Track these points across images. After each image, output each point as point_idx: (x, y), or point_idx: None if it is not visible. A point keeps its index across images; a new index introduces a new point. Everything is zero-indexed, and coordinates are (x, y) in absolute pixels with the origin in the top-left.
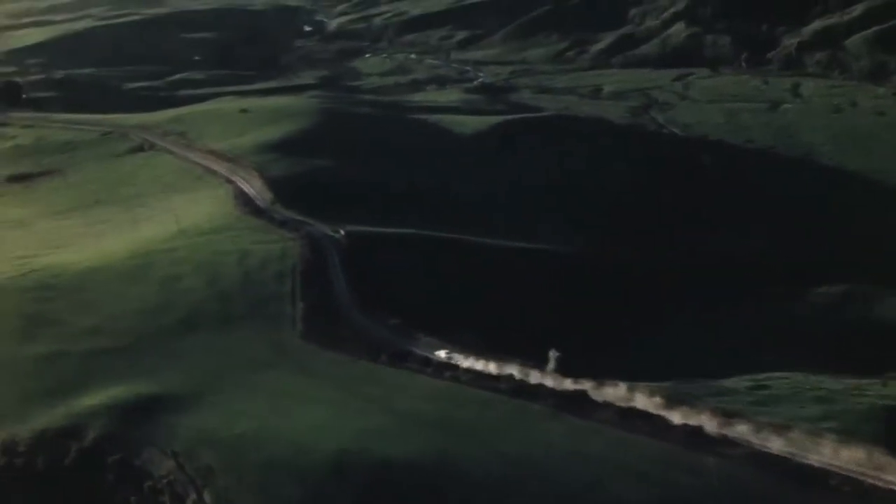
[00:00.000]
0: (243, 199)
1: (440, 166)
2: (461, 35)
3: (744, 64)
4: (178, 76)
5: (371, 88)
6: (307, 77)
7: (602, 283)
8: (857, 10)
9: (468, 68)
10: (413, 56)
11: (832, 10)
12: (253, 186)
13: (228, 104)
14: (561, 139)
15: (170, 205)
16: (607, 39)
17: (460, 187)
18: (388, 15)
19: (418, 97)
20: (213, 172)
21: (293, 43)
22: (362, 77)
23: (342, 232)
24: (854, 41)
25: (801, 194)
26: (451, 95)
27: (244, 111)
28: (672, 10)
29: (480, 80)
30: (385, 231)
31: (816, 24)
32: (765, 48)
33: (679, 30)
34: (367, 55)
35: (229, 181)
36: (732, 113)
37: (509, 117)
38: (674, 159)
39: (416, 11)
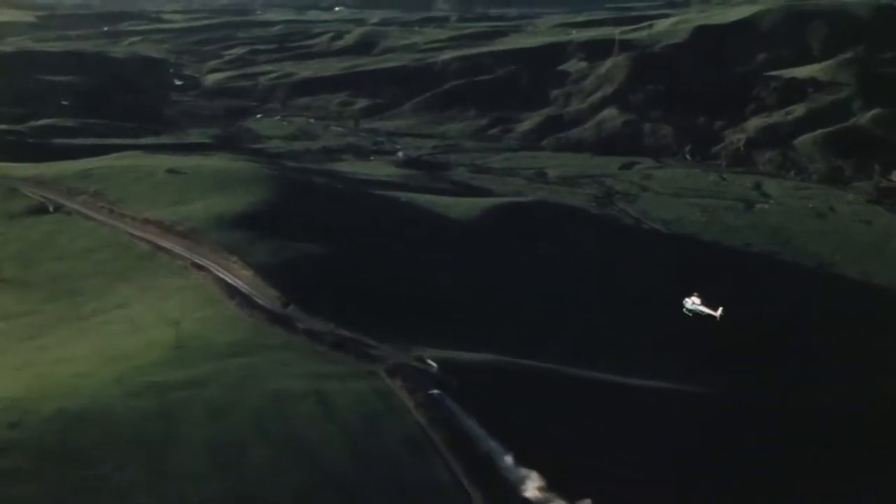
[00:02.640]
0: (238, 297)
1: (460, 257)
2: (362, 103)
3: (688, 156)
4: (43, 121)
5: (278, 153)
6: (197, 134)
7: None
8: (799, 110)
9: (381, 139)
10: (312, 121)
11: (769, 107)
12: (239, 277)
13: (143, 161)
14: (565, 230)
15: (122, 296)
16: (532, 119)
17: (503, 284)
18: (274, 75)
19: (344, 167)
20: (167, 252)
21: (168, 95)
22: (263, 139)
23: (433, 363)
24: (803, 142)
25: (864, 316)
26: (383, 169)
27: (173, 172)
28: (599, 94)
29: (400, 152)
30: (479, 359)
31: (757, 121)
32: (708, 141)
33: (612, 115)
34: (259, 116)
35: (198, 267)
36: (707, 210)
37: (497, 201)
38: (705, 266)
39: (304, 74)
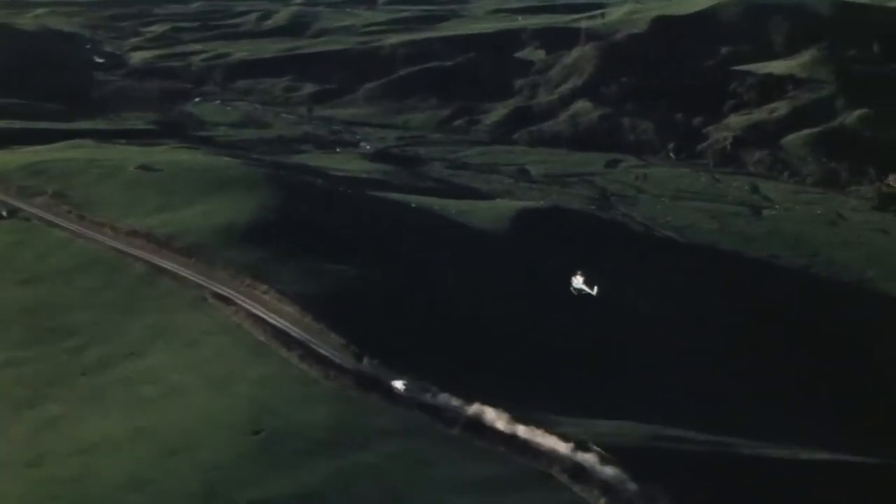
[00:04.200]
0: (295, 346)
1: (511, 280)
2: (309, 88)
3: (672, 154)
4: None
5: (229, 142)
6: (135, 119)
7: None
8: (782, 108)
9: (338, 128)
10: (258, 107)
11: (748, 104)
12: (279, 313)
13: (101, 153)
14: (598, 243)
15: (133, 339)
16: (499, 111)
17: (578, 320)
18: (207, 56)
19: (310, 160)
20: (173, 276)
21: (92, 74)
22: (208, 126)
23: (601, 451)
24: (791, 142)
25: None
26: (354, 163)
27: (145, 168)
28: (569, 85)
29: (365, 144)
30: (639, 436)
31: (739, 119)
32: (691, 139)
33: (586, 108)
34: (198, 100)
35: (221, 298)
36: (715, 215)
37: (515, 207)
38: (760, 287)
39: (240, 55)
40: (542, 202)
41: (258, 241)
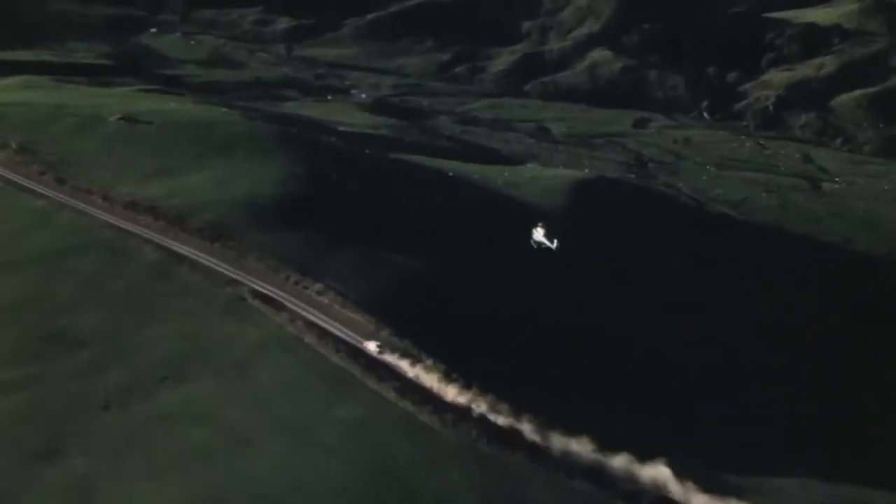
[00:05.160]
0: (386, 374)
1: (591, 273)
2: (284, 23)
3: (706, 114)
4: None
5: (201, 83)
6: (84, 52)
7: None
8: (830, 64)
9: (322, 71)
10: (225, 42)
11: (789, 59)
12: (346, 323)
13: (69, 96)
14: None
15: (164, 355)
16: (505, 57)
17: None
18: None
19: (298, 108)
20: (194, 266)
21: None
22: (172, 63)
23: None
24: (842, 103)
25: None
26: (351, 115)
27: (128, 119)
28: (584, 31)
29: (359, 92)
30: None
31: (780, 76)
32: (726, 97)
33: (606, 58)
34: (154, 30)
35: (264, 298)
36: (770, 188)
37: (565, 177)
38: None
39: None
40: (587, 172)
41: (292, 221)
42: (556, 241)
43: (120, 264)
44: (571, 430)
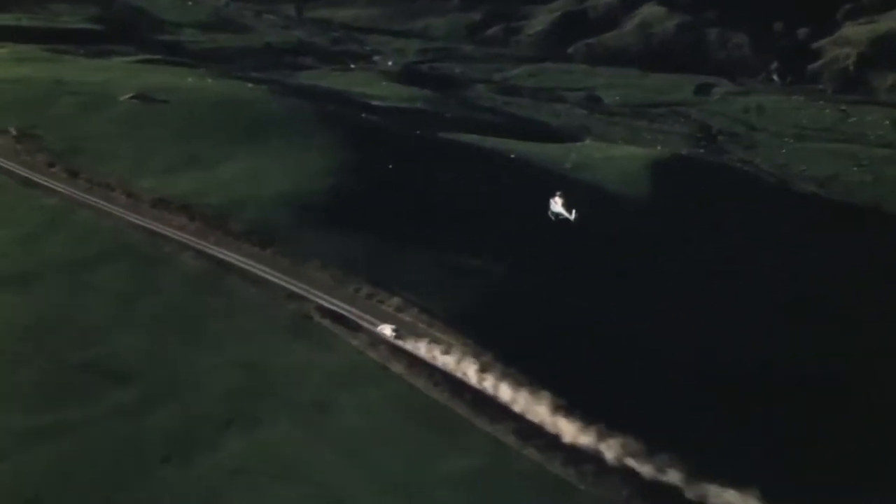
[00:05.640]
0: (498, 414)
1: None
2: None
3: (776, 77)
4: None
5: (203, 50)
6: (68, 15)
7: None
8: None
9: (338, 34)
10: (226, 2)
11: (869, 9)
12: (440, 347)
13: (66, 71)
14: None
15: (237, 408)
16: (543, 17)
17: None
18: None
19: (319, 78)
20: (243, 275)
21: None
22: (169, 27)
23: None
24: None
25: None
26: (379, 85)
27: (141, 98)
28: None
29: (386, 59)
30: None
31: (858, 30)
32: (797, 56)
33: (658, 15)
34: None
35: (336, 318)
36: (861, 162)
37: (639, 155)
38: None
39: None
40: (660, 149)
41: (350, 220)
42: (574, 211)
43: (156, 276)
44: (730, 481)
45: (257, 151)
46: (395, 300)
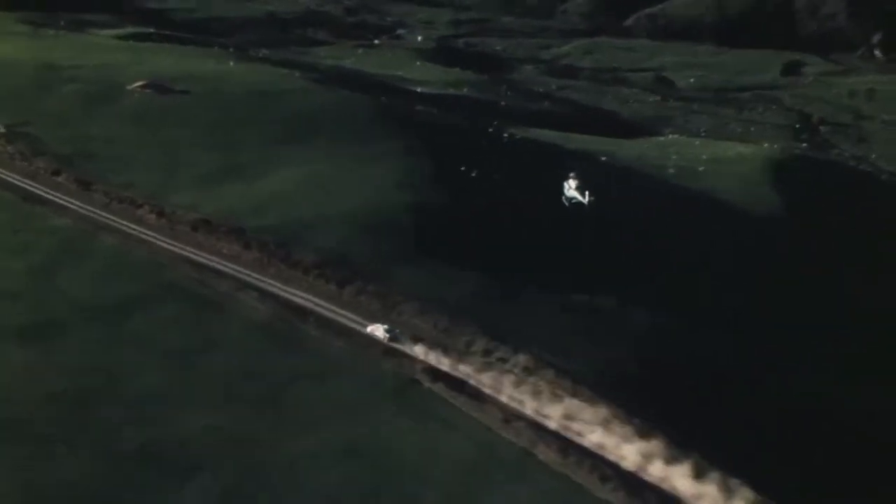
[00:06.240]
0: None
1: None
2: None
3: (879, 52)
4: None
5: (197, 21)
6: None
7: None
8: None
9: (351, 3)
10: None
11: None
12: (602, 428)
13: (58, 51)
14: None
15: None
16: None
17: None
18: None
19: (343, 58)
20: (324, 324)
21: None
22: None
23: None
24: None
25: None
26: (414, 67)
27: (156, 88)
28: None
29: (401, 31)
30: None
31: None
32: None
33: None
34: None
35: (450, 381)
36: None
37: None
38: None
39: None
40: (774, 147)
41: (442, 247)
42: (588, 194)
43: (214, 325)
44: None
45: (309, 157)
46: (521, 357)
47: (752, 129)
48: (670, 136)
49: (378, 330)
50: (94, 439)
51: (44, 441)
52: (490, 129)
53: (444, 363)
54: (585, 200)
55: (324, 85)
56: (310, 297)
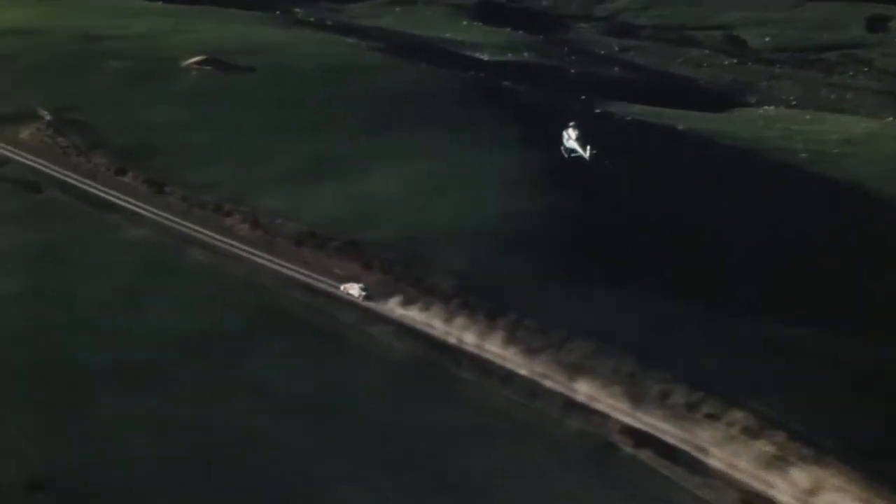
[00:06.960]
0: None
1: None
2: None
3: None
4: None
5: None
6: None
7: None
8: None
9: None
10: None
11: None
12: None
13: (90, 16)
14: None
15: None
16: None
17: None
18: None
19: (379, 17)
20: (482, 372)
21: None
22: None
23: None
24: None
25: None
26: (458, 26)
27: (215, 64)
28: None
29: None
30: None
31: None
32: None
33: None
34: None
35: (661, 449)
36: None
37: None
38: None
39: None
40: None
41: (606, 269)
42: (589, 148)
43: (342, 365)
44: None
45: (411, 149)
46: (739, 415)
47: (848, 96)
48: (765, 108)
49: (353, 288)
50: None
51: None
52: (598, 111)
53: (642, 421)
54: (587, 155)
55: (398, 58)
56: (454, 331)
